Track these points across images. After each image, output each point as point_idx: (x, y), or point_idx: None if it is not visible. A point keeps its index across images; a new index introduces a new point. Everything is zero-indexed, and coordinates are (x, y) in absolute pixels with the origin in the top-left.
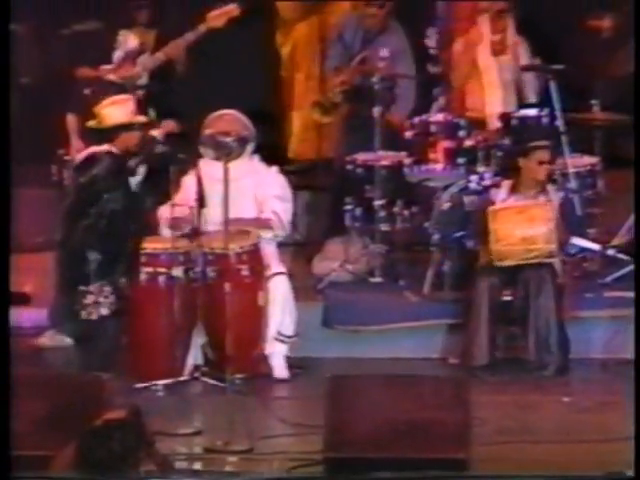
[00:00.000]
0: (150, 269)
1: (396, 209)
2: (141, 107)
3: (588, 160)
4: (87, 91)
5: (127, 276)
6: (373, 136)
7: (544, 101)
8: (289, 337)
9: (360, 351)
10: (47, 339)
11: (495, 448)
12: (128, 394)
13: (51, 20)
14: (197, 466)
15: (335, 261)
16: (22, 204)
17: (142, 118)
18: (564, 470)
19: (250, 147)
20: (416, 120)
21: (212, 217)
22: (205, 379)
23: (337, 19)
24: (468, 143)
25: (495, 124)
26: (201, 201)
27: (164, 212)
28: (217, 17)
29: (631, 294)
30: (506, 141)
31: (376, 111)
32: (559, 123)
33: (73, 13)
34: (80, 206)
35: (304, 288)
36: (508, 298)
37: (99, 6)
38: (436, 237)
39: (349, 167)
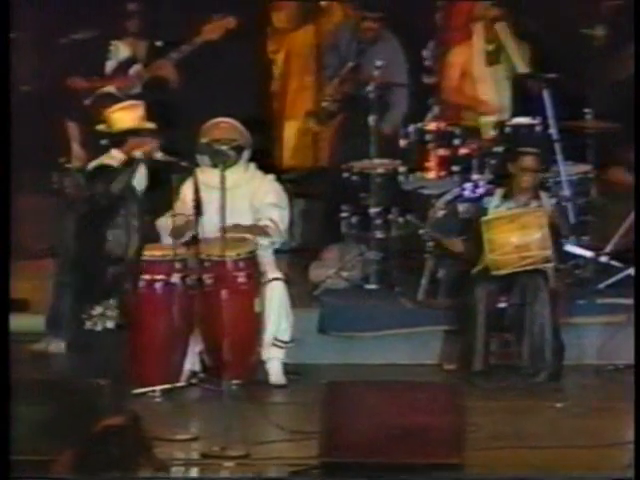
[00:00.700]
0: (148, 276)
1: (391, 216)
2: (150, 114)
3: (581, 168)
4: (87, 101)
5: (131, 288)
6: (368, 144)
7: (538, 109)
8: (286, 343)
9: (356, 357)
10: (44, 345)
11: (489, 453)
12: (126, 400)
13: (51, 28)
14: (194, 471)
15: (331, 268)
16: (21, 211)
17: (151, 124)
18: (558, 475)
19: (246, 154)
20: (411, 128)
21: (209, 224)
22: (202, 385)
23: (331, 28)
24: (462, 151)
25: (489, 132)
26: (198, 209)
27: (165, 221)
28: (213, 29)
29: (624, 300)
30: (500, 149)
31: (371, 119)
32: (552, 131)
33: (74, 22)
34: (92, 218)
35: (300, 295)
36: (503, 305)
37: (96, 15)
38: (430, 244)
39: (345, 175)
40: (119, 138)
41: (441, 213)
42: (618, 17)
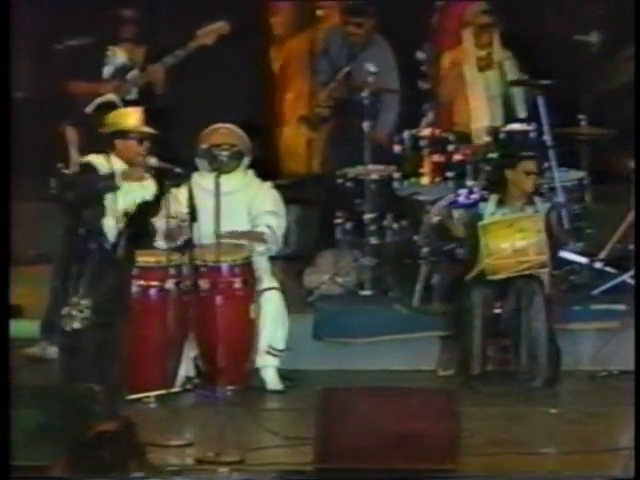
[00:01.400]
0: (142, 282)
1: (386, 222)
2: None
3: (575, 174)
4: (88, 108)
5: (115, 291)
6: (363, 150)
7: (532, 116)
8: (280, 351)
9: (350, 363)
10: (38, 350)
11: (484, 459)
12: (118, 404)
13: (48, 34)
14: (188, 477)
15: (325, 274)
16: (18, 217)
17: (149, 129)
18: None
19: (246, 160)
20: (405, 134)
21: (205, 230)
22: (197, 391)
23: (324, 33)
24: (457, 157)
25: (483, 138)
26: (193, 214)
27: (158, 225)
28: (207, 35)
29: (618, 307)
30: (494, 155)
31: (365, 125)
32: (547, 137)
33: (70, 28)
34: (69, 219)
35: (295, 301)
36: (499, 310)
37: (93, 21)
38: (425, 250)
39: (339, 181)
40: (114, 140)
41: (436, 219)
42: (613, 23)
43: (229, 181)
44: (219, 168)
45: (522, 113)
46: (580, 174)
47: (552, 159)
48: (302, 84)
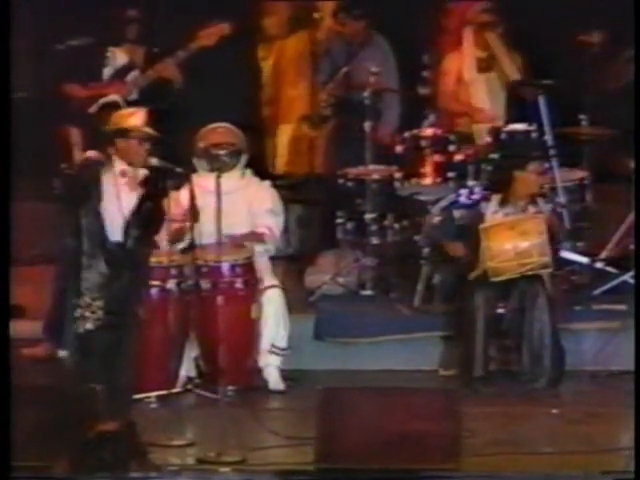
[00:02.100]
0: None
1: (387, 223)
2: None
3: (577, 174)
4: (92, 109)
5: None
6: (364, 150)
7: (533, 116)
8: (283, 350)
9: (351, 363)
10: (42, 350)
11: (486, 459)
12: (121, 405)
13: (48, 35)
14: (189, 477)
15: (327, 274)
16: (21, 217)
17: (150, 130)
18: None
19: (244, 159)
20: (406, 134)
21: (206, 230)
22: (198, 391)
23: (323, 34)
24: (458, 157)
25: (484, 139)
26: (194, 215)
27: (160, 226)
28: (208, 36)
29: (619, 307)
30: (495, 155)
31: (367, 125)
32: (548, 137)
33: (71, 28)
34: (73, 219)
35: (296, 301)
36: (502, 311)
37: (93, 22)
38: (426, 250)
39: (340, 181)
40: (115, 138)
41: (437, 219)
42: (615, 23)
43: (228, 181)
44: (219, 168)
45: (521, 114)
46: (581, 174)
47: (553, 159)
48: (302, 84)
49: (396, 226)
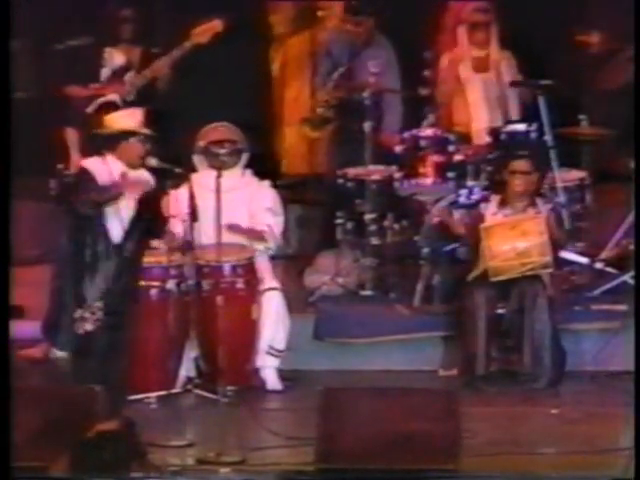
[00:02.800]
0: (143, 283)
1: (386, 223)
2: (148, 120)
3: (576, 174)
4: (89, 109)
5: (125, 292)
6: (363, 150)
7: (532, 116)
8: (281, 351)
9: (351, 363)
10: (39, 351)
11: (486, 459)
12: (121, 406)
13: (45, 35)
14: (189, 477)
15: (326, 274)
16: (19, 217)
17: (147, 130)
18: None
19: (244, 158)
20: (406, 135)
21: (205, 229)
22: (197, 391)
23: (326, 34)
24: (457, 158)
25: (484, 139)
26: (193, 215)
27: (160, 226)
28: (201, 33)
29: (619, 307)
30: (495, 156)
31: (367, 126)
32: (547, 138)
33: (67, 29)
34: (71, 220)
35: (295, 301)
36: (501, 311)
37: (90, 22)
38: (426, 250)
39: (340, 181)
40: (114, 141)
41: (436, 219)
42: (614, 23)
43: (229, 179)
44: (219, 166)
45: (519, 114)
46: (581, 174)
47: (553, 159)
48: (303, 84)
49: (396, 226)
